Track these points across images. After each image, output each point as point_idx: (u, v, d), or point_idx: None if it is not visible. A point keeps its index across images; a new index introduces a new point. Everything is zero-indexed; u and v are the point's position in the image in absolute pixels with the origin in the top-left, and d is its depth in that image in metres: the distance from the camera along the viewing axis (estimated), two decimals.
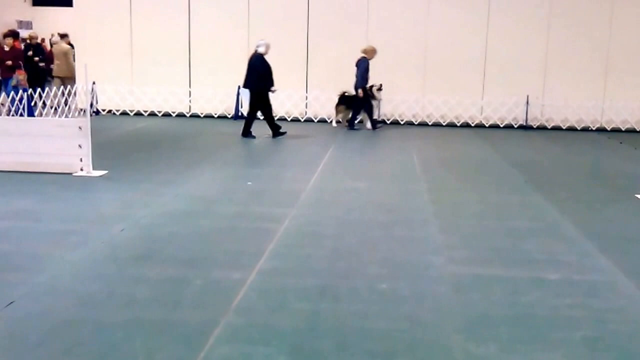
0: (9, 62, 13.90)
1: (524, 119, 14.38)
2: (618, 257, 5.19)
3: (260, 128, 11.79)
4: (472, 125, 14.40)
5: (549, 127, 14.46)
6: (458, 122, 14.44)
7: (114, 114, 14.92)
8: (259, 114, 11.76)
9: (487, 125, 14.40)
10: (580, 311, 4.10)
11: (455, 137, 12.86)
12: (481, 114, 14.54)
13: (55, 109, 13.56)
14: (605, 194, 7.82)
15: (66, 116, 13.13)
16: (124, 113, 14.88)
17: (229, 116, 14.69)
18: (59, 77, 15.75)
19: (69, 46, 15.76)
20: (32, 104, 12.74)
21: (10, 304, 3.97)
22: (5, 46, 14.00)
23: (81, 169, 8.02)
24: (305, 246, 5.35)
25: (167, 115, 14.86)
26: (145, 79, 14.89)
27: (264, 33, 13.39)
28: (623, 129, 14.20)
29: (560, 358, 3.48)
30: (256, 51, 11.59)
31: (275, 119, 12.10)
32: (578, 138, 13.17)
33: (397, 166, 9.42)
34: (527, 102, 14.29)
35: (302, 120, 14.64)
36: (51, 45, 17.78)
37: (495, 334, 3.75)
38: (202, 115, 14.88)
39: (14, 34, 15.24)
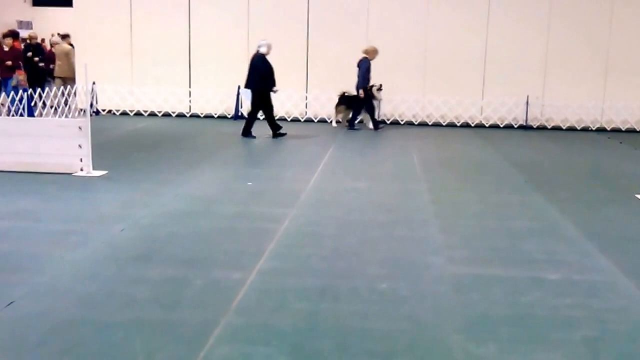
0: (9, 63, 13.90)
1: (524, 119, 14.38)
2: (618, 257, 5.19)
3: (261, 128, 11.79)
4: (472, 125, 14.40)
5: (549, 127, 14.46)
6: (458, 122, 14.45)
7: (114, 114, 14.93)
8: (260, 114, 11.76)
9: (487, 125, 14.40)
10: (580, 311, 4.10)
11: (455, 137, 12.86)
12: (481, 114, 14.54)
13: (56, 109, 13.56)
14: (605, 194, 7.82)
15: (66, 116, 13.13)
16: (124, 113, 14.88)
17: (229, 116, 14.70)
18: (60, 77, 15.76)
19: (70, 46, 15.76)
20: (32, 104, 12.74)
21: (10, 304, 3.97)
22: (4, 46, 14.00)
23: (81, 169, 8.02)
24: (305, 246, 5.35)
25: (167, 115, 14.86)
26: (145, 79, 14.90)
27: (264, 33, 13.39)
28: (623, 129, 14.20)
29: (560, 358, 3.48)
30: (258, 51, 11.59)
31: (275, 119, 12.09)
32: (578, 138, 13.17)
33: (397, 166, 9.42)
34: (527, 102, 14.29)
35: (302, 120, 14.64)
36: (51, 46, 17.76)
37: (495, 334, 3.75)
38: (202, 116, 14.89)
39: (13, 34, 15.23)
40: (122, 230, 5.62)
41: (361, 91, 12.86)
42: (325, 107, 14.27)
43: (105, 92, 14.83)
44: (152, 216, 6.14)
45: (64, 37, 16.56)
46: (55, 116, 12.95)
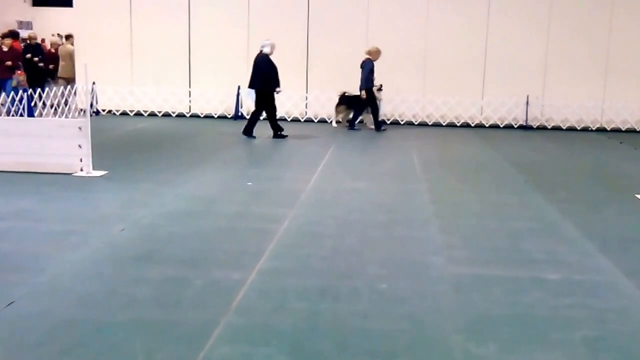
0: (9, 63, 13.90)
1: (524, 119, 14.38)
2: (618, 257, 5.19)
3: (261, 128, 11.79)
4: (472, 125, 14.40)
5: (549, 127, 14.47)
6: (458, 122, 14.45)
7: (114, 114, 14.93)
8: (262, 114, 11.75)
9: (487, 125, 14.40)
10: (580, 311, 4.10)
11: (455, 137, 12.86)
12: (481, 114, 14.54)
13: (56, 109, 13.56)
14: (605, 194, 7.82)
15: (66, 116, 13.13)
16: (124, 113, 14.88)
17: (229, 116, 14.70)
18: (64, 78, 15.79)
19: (73, 47, 15.75)
20: (32, 104, 12.74)
21: (10, 304, 3.97)
22: (3, 47, 14.00)
23: (81, 169, 8.02)
24: (305, 246, 5.35)
25: (167, 115, 14.86)
26: (145, 79, 14.90)
27: (264, 33, 13.39)
28: (623, 129, 14.20)
29: (560, 358, 3.48)
30: (261, 51, 11.59)
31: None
32: (578, 138, 13.17)
33: (397, 166, 9.42)
34: (527, 102, 14.29)
35: (302, 120, 14.64)
36: (51, 46, 17.77)
37: (495, 334, 3.75)
38: (202, 116, 14.89)
39: (13, 34, 15.25)
40: (122, 230, 5.62)
41: (363, 92, 12.85)
42: (325, 107, 14.27)
43: (105, 92, 14.83)
44: (152, 216, 6.14)
45: (67, 37, 16.58)
46: (55, 116, 12.95)
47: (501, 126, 14.38)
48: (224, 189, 7.58)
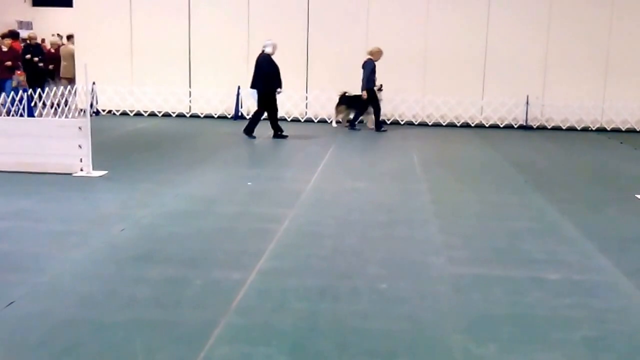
0: (9, 63, 13.90)
1: (524, 119, 14.38)
2: (618, 257, 5.19)
3: (261, 128, 11.78)
4: (472, 125, 14.40)
5: (549, 127, 14.47)
6: (458, 122, 14.45)
7: (114, 114, 14.93)
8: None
9: (487, 126, 14.40)
10: (580, 311, 4.10)
11: (455, 137, 12.86)
12: (481, 114, 14.54)
13: (56, 109, 13.56)
14: (605, 194, 7.82)
15: (66, 116, 13.13)
16: (124, 113, 14.88)
17: (229, 116, 14.70)
18: (66, 78, 15.79)
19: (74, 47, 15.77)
20: (32, 104, 12.75)
21: (10, 304, 3.97)
22: (3, 47, 13.99)
23: (81, 169, 8.02)
24: (305, 246, 5.35)
25: (167, 115, 14.86)
26: (145, 79, 14.90)
27: (263, 33, 13.40)
28: (623, 129, 14.20)
29: (560, 358, 3.48)
30: (263, 51, 11.59)
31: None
32: (578, 138, 13.17)
33: (397, 166, 9.42)
34: (527, 102, 14.29)
35: (302, 120, 14.64)
36: (51, 46, 17.77)
37: (495, 334, 3.75)
38: (202, 116, 14.89)
39: (13, 34, 15.26)
40: (122, 230, 5.62)
41: (364, 92, 12.84)
42: (325, 107, 14.27)
43: (105, 92, 14.83)
44: (152, 216, 6.14)
45: (69, 37, 16.58)
46: (55, 116, 12.95)
47: (501, 126, 14.38)
48: (224, 189, 7.58)
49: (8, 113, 12.44)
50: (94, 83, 14.47)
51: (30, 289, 4.25)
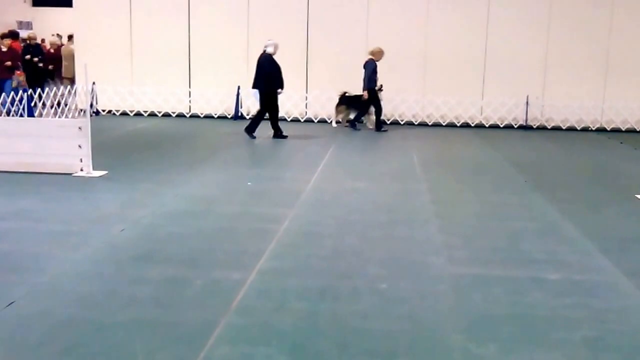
0: (8, 63, 13.89)
1: (524, 119, 14.38)
2: (618, 257, 5.19)
3: (261, 128, 11.77)
4: (472, 125, 14.40)
5: (549, 127, 14.46)
6: (458, 122, 14.45)
7: (114, 114, 14.93)
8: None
9: (487, 126, 14.40)
10: (580, 311, 4.10)
11: (455, 137, 12.86)
12: (481, 114, 14.54)
13: (56, 109, 13.56)
14: (605, 194, 7.82)
15: (66, 116, 13.13)
16: (124, 113, 14.88)
17: (229, 116, 14.70)
18: (68, 78, 15.78)
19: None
20: (32, 104, 12.75)
21: (10, 304, 3.97)
22: (2, 47, 13.99)
23: (81, 169, 8.02)
24: (305, 246, 5.35)
25: (167, 115, 14.86)
26: (145, 79, 14.90)
27: (263, 33, 13.40)
28: (623, 129, 14.20)
29: (560, 358, 3.48)
30: (264, 51, 11.59)
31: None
32: (578, 138, 13.17)
33: (397, 166, 9.42)
34: (527, 102, 14.29)
35: (302, 120, 14.64)
36: (50, 46, 17.77)
37: (495, 334, 3.75)
38: (202, 116, 14.89)
39: (12, 35, 15.25)
40: (122, 230, 5.62)
41: (365, 92, 12.84)
42: (325, 107, 14.27)
43: (105, 93, 14.83)
44: (152, 216, 6.14)
45: (70, 37, 16.58)
46: (55, 116, 12.95)
47: (501, 126, 14.38)
48: (224, 189, 7.58)
49: (8, 113, 12.44)
50: (94, 83, 14.47)
51: (30, 289, 4.25)
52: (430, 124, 14.53)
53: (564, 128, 14.32)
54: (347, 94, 13.49)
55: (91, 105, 14.18)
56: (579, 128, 14.26)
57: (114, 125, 13.05)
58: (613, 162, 10.37)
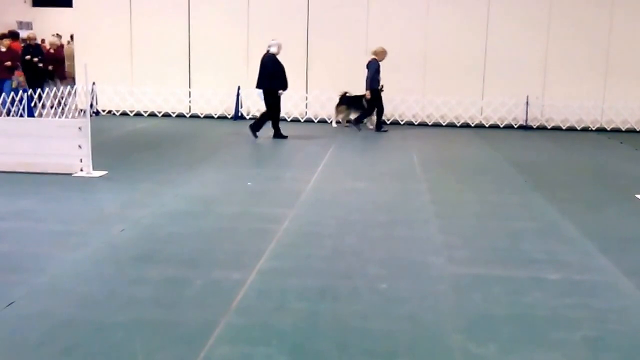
0: (8, 63, 13.89)
1: (524, 119, 14.38)
2: (618, 257, 5.19)
3: (262, 129, 11.76)
4: (472, 125, 14.40)
5: (549, 127, 14.46)
6: (458, 122, 14.44)
7: (114, 114, 14.93)
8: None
9: (487, 126, 14.40)
10: (580, 311, 4.10)
11: (455, 137, 12.86)
12: (481, 114, 14.54)
13: (56, 109, 13.56)
14: (605, 194, 7.82)
15: (66, 117, 13.13)
16: (124, 114, 14.88)
17: (229, 116, 14.70)
18: (72, 78, 15.78)
19: None
20: (32, 104, 12.74)
21: (10, 304, 3.97)
22: (2, 47, 13.99)
23: (81, 170, 8.02)
24: (305, 246, 5.35)
25: (167, 115, 14.86)
26: (145, 79, 14.89)
27: (263, 33, 13.41)
28: (623, 129, 14.20)
29: (560, 358, 3.48)
30: (268, 51, 11.58)
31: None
32: (578, 138, 13.17)
33: (397, 166, 9.42)
34: (527, 102, 14.29)
35: (302, 120, 14.64)
36: (50, 46, 17.77)
37: (495, 334, 3.75)
38: (202, 116, 14.88)
39: (12, 35, 15.25)
40: (122, 230, 5.62)
41: (367, 92, 12.83)
42: (325, 107, 14.26)
43: (105, 93, 14.83)
44: (152, 216, 6.14)
45: (72, 37, 16.59)
46: (55, 117, 12.95)
47: (501, 126, 14.38)
48: (224, 189, 7.58)
49: (8, 113, 12.44)
50: (94, 83, 14.47)
51: (30, 289, 4.25)
52: (430, 124, 14.52)
53: (564, 128, 14.32)
54: (347, 94, 13.49)
55: (91, 106, 14.17)
56: (579, 128, 14.25)
57: (114, 126, 13.05)
58: (613, 162, 10.37)
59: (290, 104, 14.35)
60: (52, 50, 17.47)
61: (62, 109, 13.74)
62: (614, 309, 4.16)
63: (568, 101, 14.20)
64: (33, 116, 12.33)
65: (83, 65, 11.01)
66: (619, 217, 6.65)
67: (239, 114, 14.56)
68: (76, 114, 13.72)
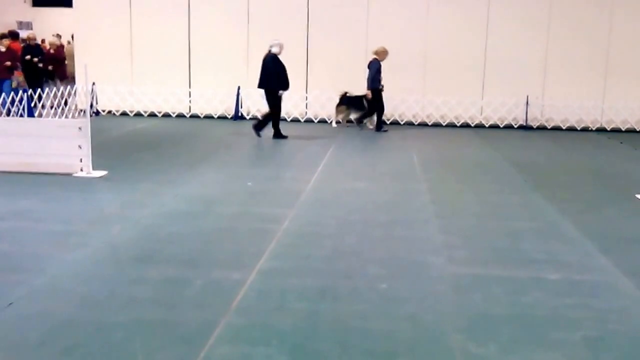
0: (8, 63, 13.89)
1: (524, 119, 14.38)
2: (618, 257, 5.19)
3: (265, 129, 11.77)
4: (472, 125, 14.40)
5: (549, 127, 14.46)
6: (458, 122, 14.44)
7: (114, 114, 14.92)
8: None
9: (487, 126, 14.40)
10: (580, 311, 4.10)
11: (455, 137, 12.86)
12: (481, 114, 14.54)
13: (56, 109, 13.56)
14: (605, 194, 7.82)
15: (66, 117, 13.13)
16: (124, 114, 14.88)
17: (229, 116, 14.69)
18: (73, 77, 15.77)
19: None
20: (32, 104, 12.74)
21: (10, 304, 3.97)
22: (1, 47, 13.99)
23: (81, 170, 8.02)
24: (305, 246, 5.35)
25: (167, 115, 14.86)
26: (145, 80, 14.89)
27: (263, 33, 13.40)
28: (623, 129, 14.20)
29: (560, 358, 3.48)
30: (270, 51, 11.58)
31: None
32: (578, 138, 13.17)
33: (397, 166, 9.42)
34: (527, 102, 14.29)
35: (302, 120, 14.64)
36: (50, 47, 17.76)
37: (495, 334, 3.75)
38: (202, 116, 14.88)
39: (12, 35, 15.25)
40: (122, 230, 5.62)
41: (368, 92, 12.84)
42: (326, 107, 14.26)
43: (105, 93, 14.82)
44: (152, 216, 6.14)
45: (74, 37, 16.59)
46: (55, 117, 12.95)
47: (501, 126, 14.38)
48: (224, 189, 7.58)
49: (8, 113, 12.44)
50: (93, 83, 14.47)
51: (30, 289, 4.25)
52: (430, 124, 14.52)
53: (564, 128, 14.32)
54: (347, 94, 13.49)
55: (91, 106, 14.17)
56: (579, 128, 14.25)
57: (114, 126, 13.05)
58: (613, 162, 10.37)
59: (290, 104, 14.34)
60: (52, 51, 17.46)
61: (62, 109, 13.74)
62: (614, 309, 4.16)
63: (568, 101, 14.20)
64: (33, 116, 12.33)
65: (83, 65, 11.01)
66: (619, 217, 6.65)
67: (239, 114, 14.56)
68: (76, 114, 13.72)
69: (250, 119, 14.29)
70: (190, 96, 14.96)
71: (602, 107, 14.33)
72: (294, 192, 7.29)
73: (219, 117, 14.77)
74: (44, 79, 16.71)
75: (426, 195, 7.41)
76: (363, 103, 13.23)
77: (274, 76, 11.37)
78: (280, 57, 11.54)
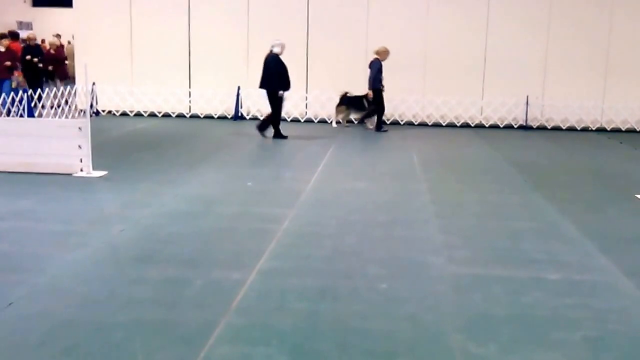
0: (8, 63, 13.89)
1: (524, 119, 14.38)
2: (618, 257, 5.19)
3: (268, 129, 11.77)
4: (472, 125, 14.40)
5: (549, 127, 14.46)
6: (458, 122, 14.44)
7: (114, 114, 14.92)
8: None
9: (487, 126, 14.40)
10: (580, 311, 4.10)
11: (455, 137, 12.86)
12: (481, 114, 14.54)
13: (56, 109, 13.56)
14: (605, 194, 7.82)
15: (66, 117, 13.13)
16: (124, 114, 14.87)
17: (229, 116, 14.69)
18: (74, 77, 15.80)
19: None
20: (32, 105, 12.74)
21: (10, 304, 3.97)
22: (1, 47, 14.00)
23: (81, 170, 8.02)
24: (305, 246, 5.35)
25: (167, 115, 14.86)
26: (145, 80, 14.89)
27: (263, 33, 13.40)
28: (623, 129, 14.20)
29: (560, 358, 3.48)
30: (271, 51, 11.58)
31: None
32: (578, 138, 13.17)
33: (397, 166, 9.42)
34: (527, 102, 14.29)
35: (302, 120, 14.64)
36: (50, 47, 17.78)
37: (495, 334, 3.75)
38: (202, 116, 14.88)
39: (12, 35, 15.27)
40: (122, 230, 5.62)
41: (370, 92, 12.83)
42: (326, 107, 14.26)
43: (105, 93, 14.82)
44: (152, 216, 6.14)
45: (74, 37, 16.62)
46: (55, 117, 12.95)
47: (501, 126, 14.37)
48: (224, 189, 7.58)
49: (8, 113, 12.44)
50: (94, 83, 14.47)
51: (30, 289, 4.25)
52: (430, 124, 14.52)
53: (564, 128, 14.32)
54: (347, 94, 13.49)
55: (91, 106, 14.17)
56: (579, 128, 14.25)
57: (113, 126, 13.05)
58: (613, 162, 10.37)
59: (290, 104, 14.33)
60: (52, 51, 17.47)
61: (63, 109, 13.74)
62: (614, 309, 4.16)
63: (568, 101, 14.20)
64: (33, 116, 12.33)
65: (83, 65, 11.01)
66: (619, 217, 6.65)
67: (239, 114, 14.56)
68: (76, 114, 13.73)
69: (250, 119, 14.30)
70: (190, 96, 14.96)
71: (602, 107, 14.33)
72: (294, 192, 7.29)
73: (219, 117, 14.77)
74: (44, 79, 16.71)
75: (426, 195, 7.41)
76: (363, 103, 13.23)
77: (275, 76, 11.37)
78: (281, 57, 11.53)
